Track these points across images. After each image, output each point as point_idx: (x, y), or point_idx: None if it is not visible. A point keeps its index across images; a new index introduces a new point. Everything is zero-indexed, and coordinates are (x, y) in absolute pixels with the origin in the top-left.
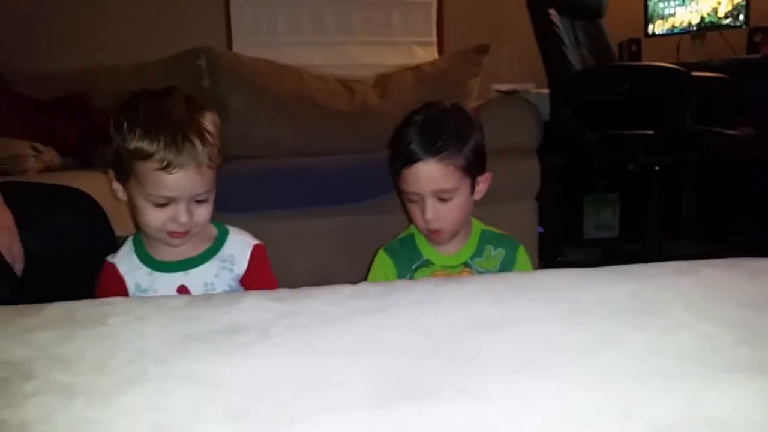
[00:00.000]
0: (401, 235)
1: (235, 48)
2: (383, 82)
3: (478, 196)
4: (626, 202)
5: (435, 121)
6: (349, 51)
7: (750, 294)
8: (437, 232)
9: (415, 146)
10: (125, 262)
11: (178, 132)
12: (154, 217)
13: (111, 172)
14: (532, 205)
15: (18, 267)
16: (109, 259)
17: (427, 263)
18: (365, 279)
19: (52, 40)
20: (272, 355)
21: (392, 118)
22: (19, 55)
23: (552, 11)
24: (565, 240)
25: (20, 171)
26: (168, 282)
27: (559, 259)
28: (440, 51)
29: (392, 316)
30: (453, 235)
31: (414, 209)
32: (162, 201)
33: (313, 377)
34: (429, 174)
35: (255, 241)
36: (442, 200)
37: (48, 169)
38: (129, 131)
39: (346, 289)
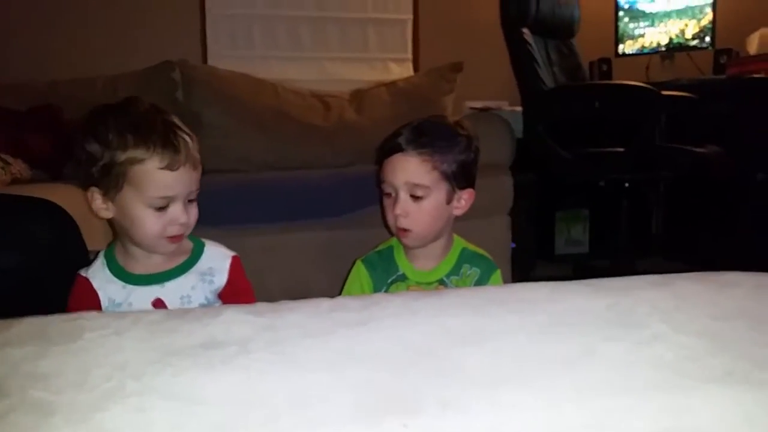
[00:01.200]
0: (380, 247)
1: (210, 61)
2: (359, 97)
3: (458, 211)
4: (596, 218)
5: (431, 123)
6: (324, 66)
7: (722, 306)
8: (405, 231)
9: (401, 138)
10: (98, 276)
11: (168, 132)
12: (154, 223)
13: (94, 190)
14: (506, 220)
15: None
16: (82, 273)
17: (403, 278)
18: (341, 290)
19: (23, 50)
20: (253, 370)
21: (368, 133)
22: None
23: (525, 30)
24: (536, 255)
25: None
26: (143, 295)
27: (531, 274)
28: (415, 68)
29: (373, 329)
30: (421, 240)
31: (387, 204)
32: (162, 203)
33: (296, 392)
34: (405, 165)
35: (232, 253)
36: (415, 198)
37: (16, 181)
38: (119, 142)
39: (325, 303)
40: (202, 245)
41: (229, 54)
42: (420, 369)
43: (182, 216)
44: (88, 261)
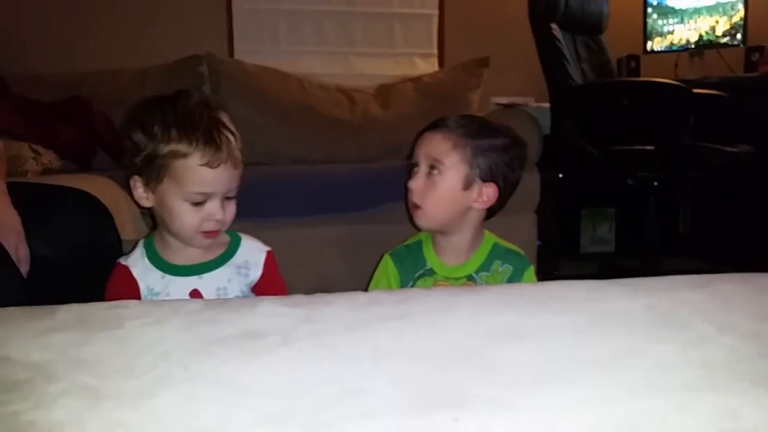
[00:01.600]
0: (409, 241)
1: (237, 56)
2: (384, 92)
3: (478, 204)
4: (622, 216)
5: (476, 117)
6: (350, 61)
7: (766, 307)
8: (416, 209)
9: (441, 119)
10: (138, 264)
11: (212, 129)
12: (191, 217)
13: (137, 179)
14: (532, 218)
15: (24, 268)
16: (122, 261)
17: (431, 272)
18: (368, 283)
19: (53, 42)
20: (298, 361)
21: (393, 128)
22: (20, 57)
23: (554, 26)
24: (561, 254)
25: (19, 173)
26: (181, 286)
27: (556, 272)
28: (441, 63)
29: (412, 323)
30: (432, 222)
31: (407, 181)
32: (200, 198)
33: (343, 383)
34: (428, 140)
35: (267, 248)
36: (431, 174)
37: (47, 171)
38: (162, 134)
39: (362, 297)
40: (239, 239)
41: (255, 48)
42: (464, 366)
43: (219, 213)
44: (121, 249)
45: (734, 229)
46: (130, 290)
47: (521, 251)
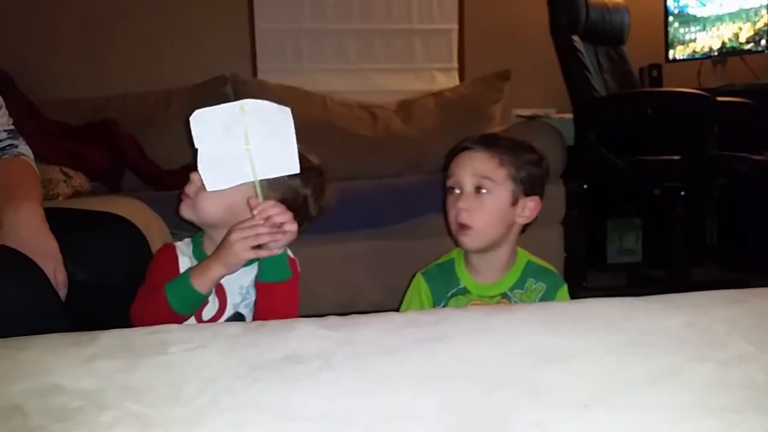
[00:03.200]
0: (441, 260)
1: (260, 75)
2: (406, 107)
3: (522, 219)
4: (649, 226)
5: (501, 136)
6: (371, 77)
7: None
8: (466, 229)
9: (469, 140)
10: (183, 249)
11: None
12: None
13: None
14: (558, 229)
15: (62, 292)
16: (173, 242)
17: (464, 291)
18: (399, 302)
19: (80, 66)
20: (339, 386)
21: (415, 143)
22: (49, 81)
23: (575, 38)
24: (588, 265)
25: (51, 196)
26: None
27: (584, 284)
28: (461, 77)
29: (450, 346)
30: (481, 242)
31: (450, 201)
32: None
33: (383, 409)
34: (473, 158)
35: (292, 256)
36: (479, 192)
37: (78, 193)
38: None
39: (396, 318)
40: None
41: (278, 68)
42: (505, 389)
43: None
44: None
45: (761, 237)
46: (173, 267)
47: (554, 269)
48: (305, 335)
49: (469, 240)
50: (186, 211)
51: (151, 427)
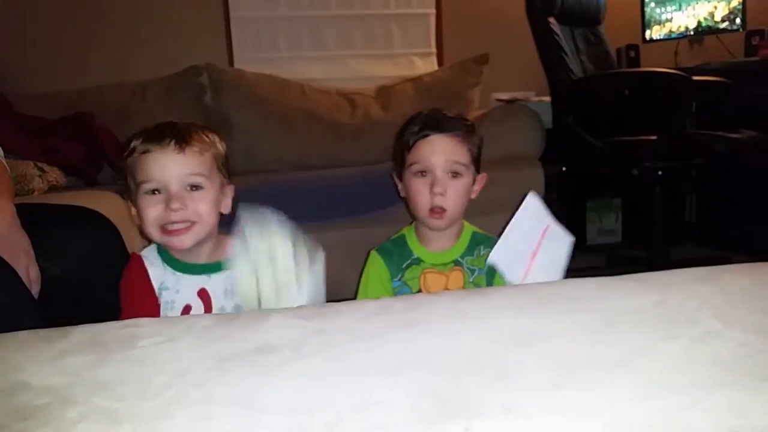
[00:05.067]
0: (394, 237)
1: (237, 64)
2: (385, 93)
3: (474, 195)
4: (628, 207)
5: (441, 112)
6: (349, 64)
7: None
8: (441, 211)
9: (429, 122)
10: (150, 257)
11: (162, 124)
12: (152, 210)
13: (129, 202)
14: None
15: (35, 289)
16: (138, 252)
17: (418, 261)
18: (359, 280)
19: (54, 59)
20: (310, 375)
21: (395, 129)
22: (22, 75)
23: (551, 20)
24: None
25: (26, 191)
26: (190, 284)
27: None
28: (440, 62)
29: (423, 332)
30: (452, 221)
31: (421, 186)
32: (152, 185)
33: (355, 396)
34: (445, 145)
35: None
36: (454, 176)
37: (53, 188)
38: (127, 144)
39: (370, 305)
40: None
41: (254, 56)
42: (476, 372)
43: (175, 202)
44: None
45: (740, 215)
46: (144, 281)
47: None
48: (277, 325)
49: (443, 223)
50: (190, 240)
51: (119, 421)
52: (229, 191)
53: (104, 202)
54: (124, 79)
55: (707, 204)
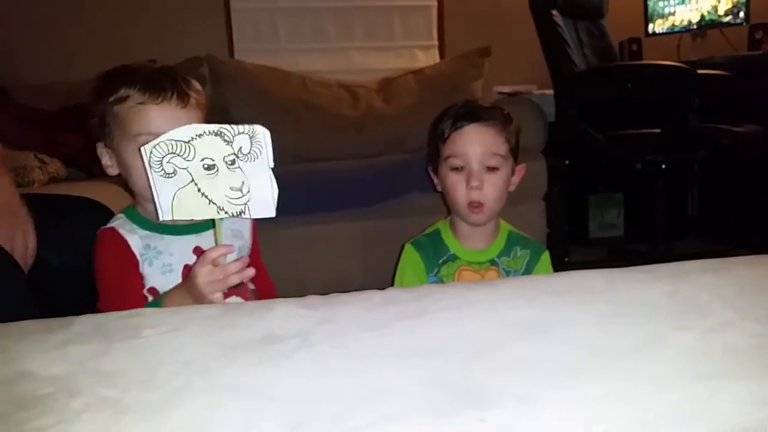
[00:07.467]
0: (428, 230)
1: (237, 56)
2: (386, 86)
3: (512, 187)
4: (630, 201)
5: (479, 103)
6: (350, 56)
7: None
8: (479, 206)
9: (465, 112)
10: (125, 226)
11: (155, 71)
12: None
13: (100, 146)
14: (540, 205)
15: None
16: (108, 225)
17: (454, 258)
18: (393, 275)
19: (54, 50)
20: (318, 364)
21: (397, 121)
22: (22, 66)
23: (555, 12)
24: (570, 240)
25: (26, 182)
26: (183, 244)
27: (566, 259)
28: (441, 54)
29: (431, 321)
30: (490, 217)
31: (457, 180)
32: (147, 140)
33: (365, 386)
34: (481, 135)
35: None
36: (490, 170)
37: (54, 179)
38: (109, 89)
39: (377, 295)
40: None
41: (255, 48)
42: (487, 363)
43: None
44: None
45: (742, 209)
46: (122, 250)
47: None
48: (284, 315)
49: (482, 217)
50: None
51: (124, 411)
52: None
53: (105, 193)
54: None
55: (710, 198)
